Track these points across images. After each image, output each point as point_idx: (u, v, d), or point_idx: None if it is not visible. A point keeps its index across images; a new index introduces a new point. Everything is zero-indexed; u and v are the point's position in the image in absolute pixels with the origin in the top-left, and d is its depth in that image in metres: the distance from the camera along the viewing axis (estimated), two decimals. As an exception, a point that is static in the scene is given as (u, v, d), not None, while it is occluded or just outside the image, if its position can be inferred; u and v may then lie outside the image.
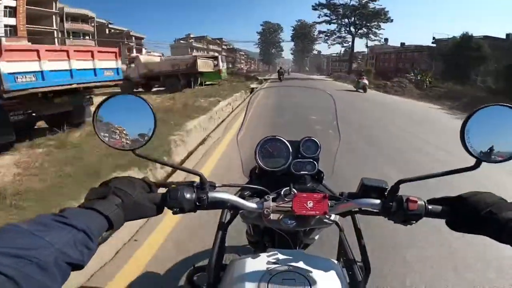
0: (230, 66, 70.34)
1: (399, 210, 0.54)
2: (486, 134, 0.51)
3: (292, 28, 72.69)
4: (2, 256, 0.30)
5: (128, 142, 0.56)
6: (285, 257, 0.58)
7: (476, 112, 0.50)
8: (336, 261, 0.63)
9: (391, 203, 0.56)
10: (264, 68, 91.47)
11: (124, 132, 0.56)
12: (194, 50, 51.31)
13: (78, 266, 0.37)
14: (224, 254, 0.75)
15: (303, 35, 67.61)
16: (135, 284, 1.59)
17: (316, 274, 0.53)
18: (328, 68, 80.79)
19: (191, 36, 62.32)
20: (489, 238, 0.49)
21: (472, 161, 0.52)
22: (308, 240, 0.84)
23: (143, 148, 0.57)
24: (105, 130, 0.56)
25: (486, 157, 0.51)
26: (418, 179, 0.57)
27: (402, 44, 43.93)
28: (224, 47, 75.96)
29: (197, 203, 0.57)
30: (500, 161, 0.51)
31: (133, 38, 45.94)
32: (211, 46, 62.95)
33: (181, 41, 56.05)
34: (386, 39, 51.48)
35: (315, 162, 0.81)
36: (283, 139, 0.82)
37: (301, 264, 0.55)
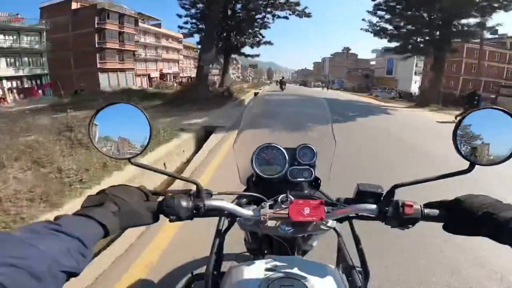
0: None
1: (395, 215, 0.55)
2: (478, 137, 0.52)
3: None
4: None
5: (123, 151, 0.56)
6: (283, 263, 0.57)
7: (467, 116, 0.51)
8: (334, 267, 0.62)
9: (387, 208, 0.56)
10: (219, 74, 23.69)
11: (120, 140, 0.56)
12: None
13: (74, 274, 0.37)
14: (222, 261, 0.75)
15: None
16: None
17: (314, 280, 0.53)
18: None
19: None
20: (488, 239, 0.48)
21: (466, 164, 0.52)
22: (307, 246, 0.83)
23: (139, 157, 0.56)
24: (100, 139, 0.55)
25: (479, 160, 0.52)
26: (413, 183, 0.57)
27: None
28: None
29: (194, 211, 0.56)
30: (493, 164, 0.52)
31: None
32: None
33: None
34: None
35: (312, 169, 0.81)
36: (279, 147, 0.82)
37: (299, 270, 0.55)
